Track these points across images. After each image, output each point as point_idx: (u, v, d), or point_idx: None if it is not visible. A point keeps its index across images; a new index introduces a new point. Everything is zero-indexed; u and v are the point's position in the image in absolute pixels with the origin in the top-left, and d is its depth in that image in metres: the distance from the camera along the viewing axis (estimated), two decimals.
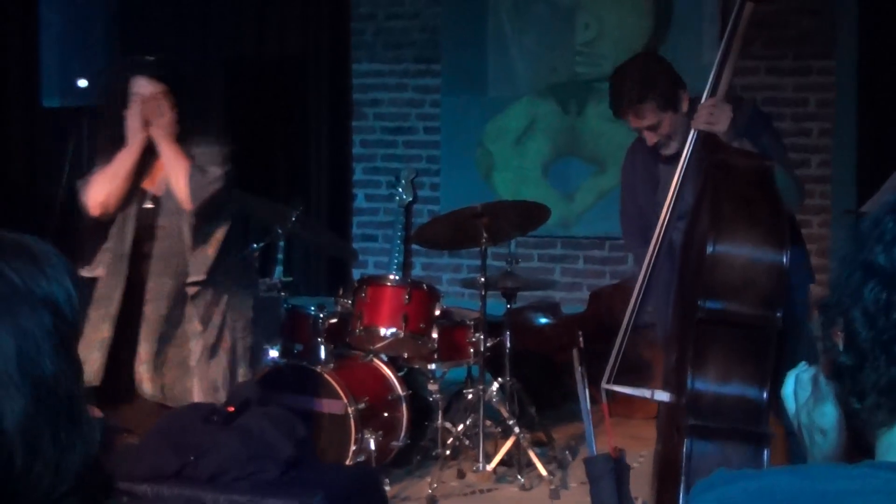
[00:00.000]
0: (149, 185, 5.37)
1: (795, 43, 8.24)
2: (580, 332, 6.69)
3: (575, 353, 4.55)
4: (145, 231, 5.34)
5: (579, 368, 4.38)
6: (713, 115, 4.44)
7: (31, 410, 1.35)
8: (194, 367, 5.31)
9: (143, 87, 5.21)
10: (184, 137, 5.30)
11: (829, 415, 1.59)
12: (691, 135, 4.52)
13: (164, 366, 5.29)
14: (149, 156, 5.33)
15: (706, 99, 4.51)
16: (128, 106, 5.23)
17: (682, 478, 3.98)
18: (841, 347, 1.47)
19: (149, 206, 5.36)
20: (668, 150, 4.90)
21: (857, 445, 1.52)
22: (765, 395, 4.02)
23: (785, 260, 4.02)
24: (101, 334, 5.23)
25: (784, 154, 4.76)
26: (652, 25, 8.66)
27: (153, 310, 5.27)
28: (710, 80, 4.56)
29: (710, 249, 4.04)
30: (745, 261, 4.06)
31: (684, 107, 4.84)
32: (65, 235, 7.36)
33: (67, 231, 7.52)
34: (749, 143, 4.53)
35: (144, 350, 5.25)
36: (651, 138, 4.91)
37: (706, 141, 4.47)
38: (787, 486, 1.40)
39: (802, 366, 1.70)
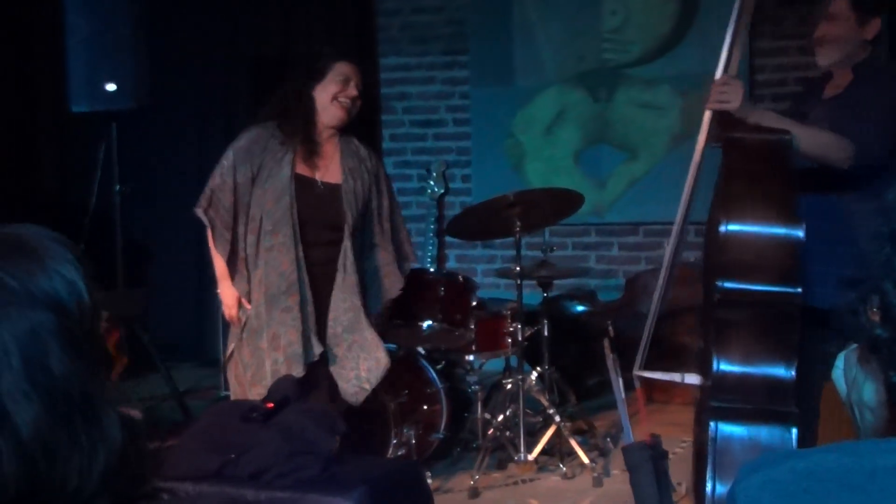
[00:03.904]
0: (309, 173, 5.43)
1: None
2: (610, 321, 6.68)
3: (606, 342, 4.54)
4: (320, 217, 5.41)
5: (611, 356, 4.36)
6: (724, 94, 4.38)
7: (46, 417, 1.32)
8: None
9: (349, 71, 5.43)
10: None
11: (873, 391, 1.57)
12: (706, 115, 4.47)
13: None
14: (309, 139, 5.45)
15: (718, 77, 4.46)
16: (322, 82, 5.42)
17: (710, 459, 3.96)
18: (876, 323, 1.45)
19: (321, 189, 5.42)
20: (820, 59, 4.65)
21: None
22: (791, 373, 3.99)
23: (800, 234, 3.99)
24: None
25: (875, 128, 4.42)
26: (679, 9, 8.62)
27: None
28: (722, 57, 4.50)
29: (722, 229, 4.03)
30: (757, 238, 4.03)
31: (868, 32, 4.58)
32: (96, 239, 7.41)
33: (99, 234, 7.57)
34: (772, 114, 4.46)
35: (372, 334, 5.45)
36: (820, 28, 4.65)
37: (721, 119, 4.42)
38: (834, 464, 1.38)
39: (852, 346, 1.68)
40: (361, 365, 5.42)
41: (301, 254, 5.30)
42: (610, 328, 6.44)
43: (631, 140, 8.82)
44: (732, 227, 4.04)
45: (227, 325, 5.63)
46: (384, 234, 5.62)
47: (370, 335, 5.40)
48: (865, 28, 4.57)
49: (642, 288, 7.92)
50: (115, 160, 7.61)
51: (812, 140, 4.33)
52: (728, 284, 4.05)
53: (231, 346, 5.44)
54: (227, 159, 5.40)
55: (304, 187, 5.34)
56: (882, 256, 1.43)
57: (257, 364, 5.31)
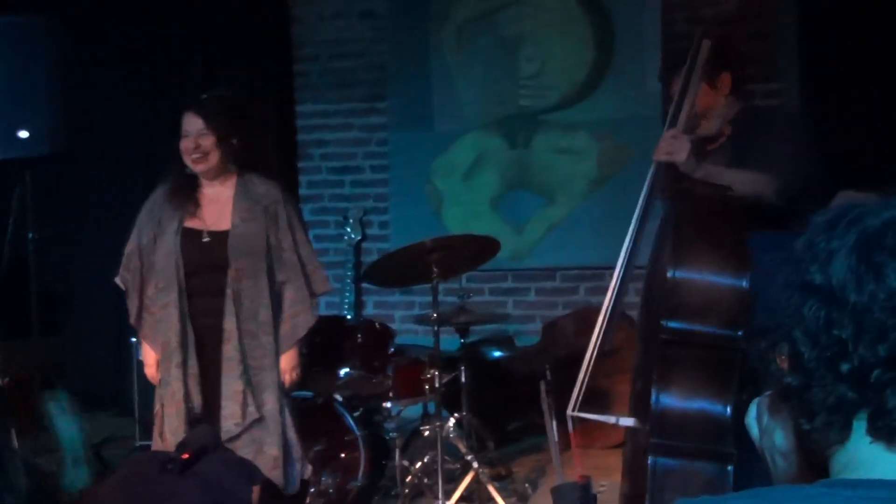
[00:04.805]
0: (198, 224, 5.36)
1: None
2: (547, 365, 6.69)
3: (542, 384, 4.55)
4: (207, 268, 5.32)
5: (547, 400, 4.38)
6: (672, 146, 4.51)
7: None
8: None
9: (187, 122, 5.33)
10: (240, 170, 5.44)
11: (783, 438, 1.59)
12: (653, 166, 4.59)
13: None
14: (190, 192, 5.40)
15: (666, 131, 4.57)
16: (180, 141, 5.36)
17: (647, 496, 4.01)
18: (786, 371, 1.47)
19: (206, 239, 5.33)
20: (701, 131, 4.84)
21: (813, 466, 1.51)
22: (728, 413, 4.07)
23: (745, 283, 4.10)
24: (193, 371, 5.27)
25: (781, 160, 4.65)
26: (595, 54, 8.70)
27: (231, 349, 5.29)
28: (670, 112, 4.64)
29: (671, 273, 4.12)
30: (706, 283, 4.15)
31: (724, 88, 4.82)
32: (10, 288, 7.32)
33: (13, 283, 7.48)
34: (712, 167, 4.58)
35: (232, 389, 5.27)
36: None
37: (668, 171, 4.54)
38: None
39: (766, 392, 1.70)
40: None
41: (185, 307, 5.27)
42: (547, 372, 6.46)
43: (549, 185, 8.86)
44: (683, 271, 4.16)
45: (141, 374, 5.59)
46: (291, 269, 5.45)
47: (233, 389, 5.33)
48: (719, 87, 4.82)
49: (560, 332, 7.95)
50: (28, 207, 7.54)
51: (746, 180, 4.50)
52: (675, 325, 4.14)
53: (158, 405, 5.39)
54: (135, 225, 5.46)
55: (189, 240, 5.31)
56: (791, 305, 1.46)
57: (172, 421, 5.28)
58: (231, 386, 5.25)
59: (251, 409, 5.25)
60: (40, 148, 7.40)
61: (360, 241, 9.19)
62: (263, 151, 5.62)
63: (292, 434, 5.42)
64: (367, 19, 9.30)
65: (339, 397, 6.42)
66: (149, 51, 9.36)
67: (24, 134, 7.32)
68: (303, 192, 9.43)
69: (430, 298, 6.28)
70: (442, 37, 9.08)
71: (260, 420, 5.29)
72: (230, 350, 5.24)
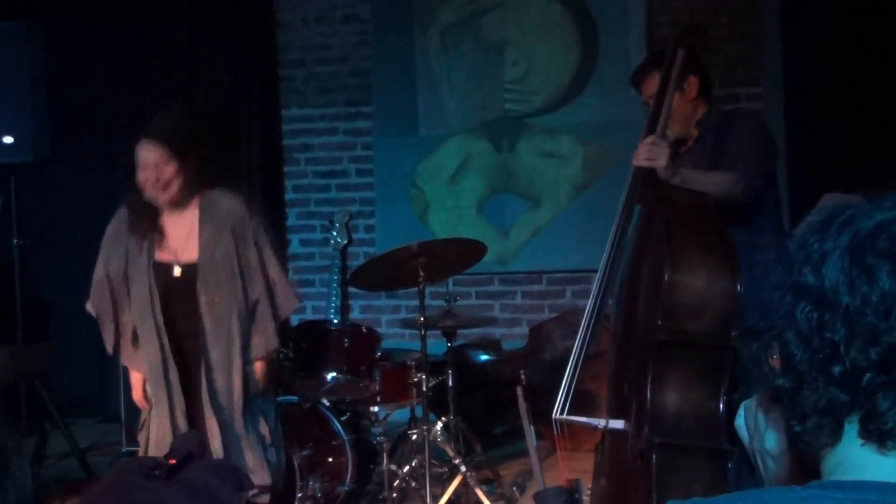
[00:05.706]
0: (168, 256, 5.17)
1: (723, 70, 8.28)
2: (522, 370, 6.68)
3: (519, 390, 4.54)
4: (183, 303, 5.14)
5: (524, 405, 4.37)
6: (652, 153, 4.53)
7: None
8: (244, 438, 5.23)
9: (144, 152, 5.08)
10: (201, 189, 5.21)
11: (775, 440, 1.59)
12: (631, 171, 4.61)
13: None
14: (152, 220, 5.18)
15: (644, 137, 4.60)
16: (136, 174, 5.08)
17: (654, 495, 4.04)
18: (778, 372, 1.47)
19: (177, 274, 5.15)
20: (672, 133, 4.89)
21: (804, 467, 1.51)
22: (720, 411, 4.15)
23: (737, 284, 4.18)
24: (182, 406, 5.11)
25: (744, 157, 4.74)
26: (580, 58, 8.70)
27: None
28: (648, 119, 4.67)
29: (667, 275, 4.16)
30: (701, 285, 4.24)
31: (690, 91, 4.92)
32: None
33: None
34: (687, 172, 4.61)
35: (213, 424, 5.11)
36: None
37: (647, 177, 4.56)
38: None
39: (755, 395, 1.70)
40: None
41: (167, 344, 5.10)
42: (522, 376, 6.45)
43: (534, 189, 8.86)
44: (679, 274, 4.24)
45: (128, 379, 5.53)
46: (262, 289, 5.25)
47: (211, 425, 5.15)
48: (686, 91, 4.92)
49: (546, 336, 7.95)
50: (13, 213, 7.52)
51: (718, 181, 4.60)
52: (673, 325, 4.18)
53: (143, 416, 5.31)
54: (101, 250, 5.25)
55: (162, 275, 5.14)
56: (783, 306, 1.45)
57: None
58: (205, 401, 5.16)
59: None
60: (25, 154, 7.40)
61: (347, 245, 9.18)
62: (227, 161, 5.40)
63: (256, 445, 5.34)
64: (351, 24, 9.30)
65: (325, 402, 6.41)
66: (133, 57, 9.34)
67: (8, 140, 7.30)
68: (289, 196, 9.43)
69: (416, 302, 6.27)
70: (426, 41, 9.08)
71: (227, 430, 5.21)
72: (203, 367, 5.15)
